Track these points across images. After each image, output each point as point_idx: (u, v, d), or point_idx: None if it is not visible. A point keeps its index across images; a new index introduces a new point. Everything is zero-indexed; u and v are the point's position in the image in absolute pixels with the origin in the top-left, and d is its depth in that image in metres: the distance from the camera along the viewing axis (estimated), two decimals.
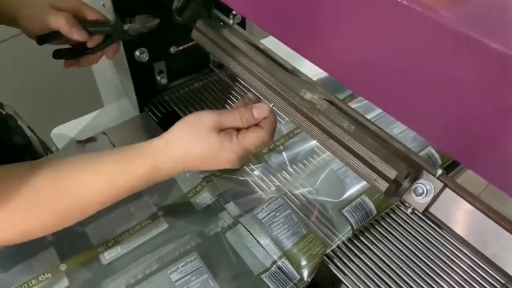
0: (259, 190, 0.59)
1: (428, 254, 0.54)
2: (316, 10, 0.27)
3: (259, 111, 0.44)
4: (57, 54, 0.57)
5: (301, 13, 0.29)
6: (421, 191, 0.40)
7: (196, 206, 0.57)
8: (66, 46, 0.58)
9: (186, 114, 0.68)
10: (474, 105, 0.22)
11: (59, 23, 0.51)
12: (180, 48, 0.70)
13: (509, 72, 0.19)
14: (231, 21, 0.56)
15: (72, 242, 0.54)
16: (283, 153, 0.63)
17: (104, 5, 0.60)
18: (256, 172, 0.61)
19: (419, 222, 0.57)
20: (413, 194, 0.40)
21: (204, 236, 0.54)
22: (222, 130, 0.43)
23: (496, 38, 0.20)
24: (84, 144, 0.65)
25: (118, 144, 0.65)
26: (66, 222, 0.44)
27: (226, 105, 0.71)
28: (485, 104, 0.22)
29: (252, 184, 0.60)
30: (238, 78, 0.74)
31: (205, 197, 0.58)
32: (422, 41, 0.22)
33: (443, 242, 0.55)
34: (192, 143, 0.43)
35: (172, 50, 0.69)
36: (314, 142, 0.64)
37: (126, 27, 0.56)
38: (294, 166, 0.62)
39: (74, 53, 0.57)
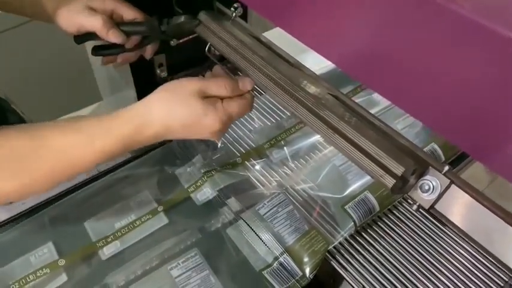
0: (260, 185, 0.58)
1: (431, 250, 0.53)
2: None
3: (245, 83, 0.45)
4: (95, 50, 0.56)
5: (307, 3, 0.29)
6: (427, 187, 0.39)
7: (197, 201, 0.57)
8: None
9: None
10: (485, 97, 0.22)
11: (95, 25, 0.50)
12: (181, 41, 0.69)
13: None
14: (233, 14, 0.55)
15: (71, 237, 0.53)
16: (285, 148, 0.62)
17: None
18: (258, 167, 0.60)
19: (422, 219, 0.56)
20: (419, 191, 0.40)
21: (204, 231, 0.54)
22: (205, 97, 0.42)
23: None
24: None
25: None
26: (45, 185, 0.42)
27: None
28: (495, 94, 0.21)
29: (254, 179, 0.59)
30: (238, 72, 0.73)
31: (205, 192, 0.57)
32: (434, 31, 0.21)
33: (445, 238, 0.55)
34: (173, 109, 0.42)
35: (173, 42, 0.68)
36: (316, 137, 0.63)
37: (163, 28, 0.55)
38: (295, 161, 0.61)
39: (113, 49, 0.56)
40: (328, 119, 0.41)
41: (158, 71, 0.70)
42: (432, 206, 0.41)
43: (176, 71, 0.73)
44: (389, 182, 0.37)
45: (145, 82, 0.69)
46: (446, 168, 0.39)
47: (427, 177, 0.40)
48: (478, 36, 0.20)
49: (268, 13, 0.32)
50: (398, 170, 0.37)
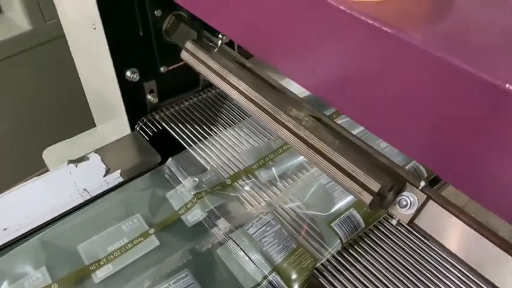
0: (249, 206, 0.60)
1: (418, 265, 0.55)
2: (294, 32, 0.28)
3: None
4: None
5: (283, 37, 0.31)
6: (405, 203, 0.41)
7: (187, 223, 0.58)
8: None
9: (176, 133, 0.70)
10: (446, 121, 0.24)
11: None
12: (170, 68, 0.71)
13: (472, 90, 0.20)
14: (220, 42, 0.58)
15: (64, 261, 0.54)
16: (273, 168, 0.64)
17: (94, 28, 0.61)
18: (247, 188, 0.62)
19: (407, 234, 0.58)
20: (397, 206, 0.42)
21: (195, 252, 0.55)
22: None
23: (466, 58, 0.21)
24: (77, 164, 0.66)
25: (110, 163, 0.66)
26: None
27: (217, 123, 0.72)
28: (458, 120, 0.23)
29: (243, 200, 0.60)
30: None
31: (196, 214, 0.58)
32: (393, 61, 0.23)
33: (432, 253, 0.56)
34: None
35: (163, 69, 0.70)
36: (303, 157, 0.65)
37: None
38: (283, 181, 0.63)
39: None
40: (309, 140, 0.43)
41: (149, 97, 0.72)
42: (411, 221, 0.42)
43: (167, 96, 0.76)
44: (367, 198, 0.39)
45: (136, 108, 0.71)
46: (423, 184, 0.41)
47: (405, 193, 0.41)
48: (429, 66, 0.22)
49: (244, 42, 0.35)
50: (375, 186, 0.38)
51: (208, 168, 0.64)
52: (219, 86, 0.52)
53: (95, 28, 0.62)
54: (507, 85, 0.19)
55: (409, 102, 0.23)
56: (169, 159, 0.64)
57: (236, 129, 0.70)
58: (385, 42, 0.23)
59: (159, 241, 0.56)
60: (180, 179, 0.62)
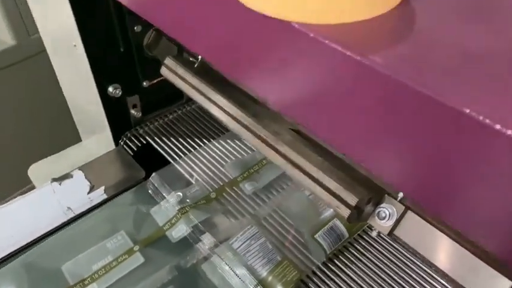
0: (234, 219, 0.60)
1: (403, 275, 0.55)
2: (259, 52, 0.29)
3: None
4: None
5: (248, 56, 0.31)
6: (383, 214, 0.42)
7: (172, 239, 0.58)
8: None
9: (161, 147, 0.70)
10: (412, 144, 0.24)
11: None
12: (153, 82, 0.71)
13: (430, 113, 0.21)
14: (200, 56, 0.58)
15: (48, 283, 0.53)
16: (258, 180, 0.64)
17: (75, 45, 0.61)
18: (232, 201, 0.62)
19: (392, 243, 0.58)
20: (377, 218, 0.42)
21: (180, 268, 0.55)
22: None
23: (422, 81, 0.21)
24: (60, 182, 0.65)
25: (94, 180, 0.65)
26: None
27: (201, 136, 0.72)
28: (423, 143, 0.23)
29: (228, 213, 0.60)
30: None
31: (180, 229, 0.58)
32: (353, 83, 0.24)
33: (417, 262, 0.56)
34: None
35: (146, 84, 0.71)
36: None
37: None
38: (267, 193, 0.63)
39: None
40: (287, 154, 0.43)
41: (132, 112, 0.72)
42: (391, 232, 0.43)
43: (151, 110, 0.76)
44: (345, 212, 0.39)
45: (119, 123, 0.71)
46: (401, 195, 0.41)
47: (384, 204, 0.42)
48: (388, 90, 0.22)
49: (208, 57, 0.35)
50: (353, 200, 0.39)
51: (193, 181, 0.64)
52: (199, 101, 0.52)
53: (75, 46, 0.62)
54: (465, 109, 0.19)
55: (370, 123, 0.24)
56: (153, 174, 0.64)
57: (221, 141, 0.70)
58: (347, 65, 0.23)
59: (144, 258, 0.56)
60: (164, 194, 0.62)
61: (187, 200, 0.61)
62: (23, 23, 1.02)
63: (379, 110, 0.23)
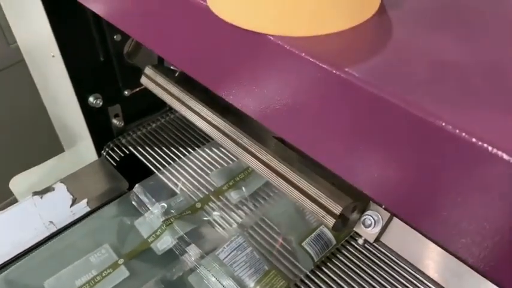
0: (220, 229, 0.59)
1: (392, 280, 0.54)
2: (235, 64, 0.28)
3: None
4: None
5: (224, 68, 0.30)
6: (369, 222, 0.41)
7: (157, 251, 0.57)
8: None
9: (144, 156, 0.68)
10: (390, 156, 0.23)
11: None
12: (135, 90, 0.70)
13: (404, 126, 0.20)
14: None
15: None
16: (244, 188, 0.63)
17: (53, 56, 0.60)
18: (217, 210, 0.61)
19: (380, 248, 0.58)
20: (362, 226, 0.42)
21: (166, 281, 0.54)
22: None
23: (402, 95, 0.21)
24: (42, 195, 0.64)
25: (76, 193, 0.64)
26: None
27: (185, 145, 0.71)
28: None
29: (214, 223, 0.60)
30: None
31: (166, 241, 0.57)
32: (329, 95, 0.23)
33: (405, 266, 0.56)
34: None
35: (127, 93, 0.69)
36: None
37: None
38: (254, 202, 0.62)
39: None
40: (271, 163, 0.43)
41: (114, 121, 0.71)
42: (377, 239, 0.42)
43: (134, 119, 0.75)
44: (330, 222, 0.38)
45: (101, 133, 0.70)
46: None
47: (369, 212, 0.41)
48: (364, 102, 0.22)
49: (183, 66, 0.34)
50: (337, 209, 0.38)
51: (178, 191, 0.63)
52: (180, 111, 0.51)
53: (53, 56, 0.60)
54: (440, 122, 0.19)
55: (346, 135, 0.23)
56: (136, 185, 0.62)
57: (206, 150, 0.69)
58: (321, 78, 0.23)
59: (129, 271, 0.55)
60: (148, 205, 0.61)
61: (172, 211, 0.59)
62: (2, 32, 1.00)
63: (357, 122, 0.23)
